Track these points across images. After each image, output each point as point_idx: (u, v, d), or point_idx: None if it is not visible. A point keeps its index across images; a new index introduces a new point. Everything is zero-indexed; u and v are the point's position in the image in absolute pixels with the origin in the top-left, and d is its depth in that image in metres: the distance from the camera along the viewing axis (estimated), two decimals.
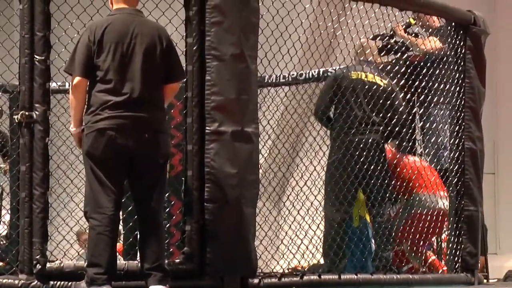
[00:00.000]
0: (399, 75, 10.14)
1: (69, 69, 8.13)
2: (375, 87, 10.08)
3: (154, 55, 8.06)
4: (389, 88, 10.14)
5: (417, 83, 10.32)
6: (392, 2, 10.06)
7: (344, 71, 10.31)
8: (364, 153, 9.84)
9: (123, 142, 7.94)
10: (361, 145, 9.88)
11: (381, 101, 10.04)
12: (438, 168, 10.40)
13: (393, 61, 10.26)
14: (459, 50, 10.19)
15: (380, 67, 10.34)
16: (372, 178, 9.90)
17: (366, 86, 10.07)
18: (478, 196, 10.32)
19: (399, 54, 10.24)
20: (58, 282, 8.09)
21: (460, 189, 10.19)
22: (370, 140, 9.98)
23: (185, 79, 8.51)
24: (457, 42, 10.20)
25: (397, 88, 10.22)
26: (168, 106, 8.79)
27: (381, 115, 10.12)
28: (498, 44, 15.46)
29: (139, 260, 8.36)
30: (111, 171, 8.00)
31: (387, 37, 10.16)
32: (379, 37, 10.21)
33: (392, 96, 10.12)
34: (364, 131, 10.00)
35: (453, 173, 10.19)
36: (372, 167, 9.89)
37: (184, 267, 8.46)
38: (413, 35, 10.38)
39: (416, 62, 10.24)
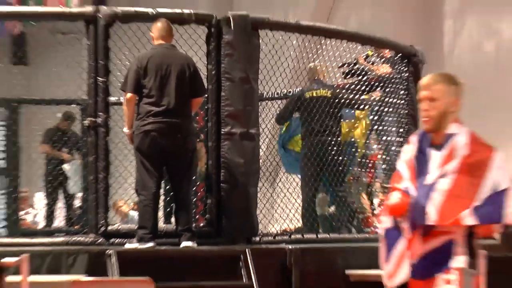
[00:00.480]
0: (360, 92, 10.14)
1: (123, 87, 8.25)
2: (321, 99, 10.08)
3: (184, 77, 8.14)
4: (333, 97, 10.12)
5: (372, 97, 10.34)
6: (356, 39, 10.09)
7: (302, 91, 10.37)
8: (322, 150, 9.87)
9: (162, 141, 8.06)
10: (319, 145, 9.90)
11: (327, 109, 10.04)
12: (388, 159, 10.34)
13: (355, 82, 10.25)
14: (403, 74, 10.23)
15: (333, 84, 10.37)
16: (330, 166, 9.88)
17: (314, 100, 10.05)
18: None
19: (360, 76, 10.22)
20: (116, 240, 8.20)
21: None
22: (325, 141, 9.97)
23: (206, 95, 8.58)
24: (402, 68, 10.23)
25: (340, 95, 10.21)
26: (194, 114, 8.88)
27: (332, 119, 10.11)
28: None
29: (174, 224, 8.52)
30: (154, 161, 8.12)
31: (352, 64, 10.17)
32: (346, 64, 10.22)
33: (336, 101, 10.13)
34: (320, 134, 9.98)
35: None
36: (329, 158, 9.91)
37: (206, 229, 8.58)
38: (371, 63, 10.38)
39: (372, 82, 10.24)
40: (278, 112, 10.64)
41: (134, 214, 13.28)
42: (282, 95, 11.04)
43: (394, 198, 4.87)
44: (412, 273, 4.83)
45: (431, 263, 4.76)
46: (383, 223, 5.00)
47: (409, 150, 4.98)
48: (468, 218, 4.62)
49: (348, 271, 8.25)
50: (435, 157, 4.80)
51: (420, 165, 4.87)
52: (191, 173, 8.58)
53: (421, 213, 4.72)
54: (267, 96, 10.25)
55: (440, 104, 4.74)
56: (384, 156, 10.48)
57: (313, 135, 10.06)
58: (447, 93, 4.77)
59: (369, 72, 10.12)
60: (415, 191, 4.82)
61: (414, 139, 5.00)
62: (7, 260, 5.49)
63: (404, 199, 4.81)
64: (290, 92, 11.04)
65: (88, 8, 8.71)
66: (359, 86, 10.19)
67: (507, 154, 16.29)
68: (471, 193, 4.64)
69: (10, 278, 5.62)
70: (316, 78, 10.40)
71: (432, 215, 4.68)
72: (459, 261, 4.69)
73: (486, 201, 4.64)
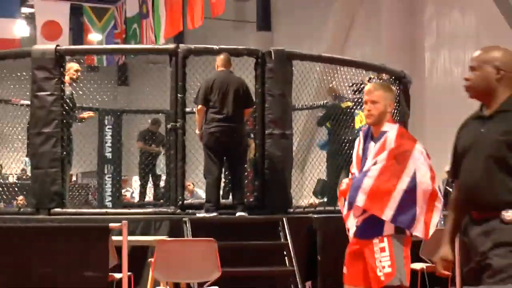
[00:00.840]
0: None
1: (196, 101, 8.19)
2: (348, 108, 9.99)
3: (239, 94, 8.05)
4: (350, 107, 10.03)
5: None
6: (361, 66, 9.99)
7: (334, 104, 10.27)
8: (347, 145, 9.77)
9: (223, 139, 8.00)
10: (346, 142, 9.78)
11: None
12: None
13: (361, 97, 10.09)
14: (396, 90, 10.08)
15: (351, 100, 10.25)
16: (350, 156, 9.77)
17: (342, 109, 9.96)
18: None
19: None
20: (190, 210, 8.12)
21: None
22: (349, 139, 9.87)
23: (254, 106, 8.45)
24: (396, 87, 10.07)
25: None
26: (246, 120, 8.78)
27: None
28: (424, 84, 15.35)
29: (231, 199, 8.43)
30: (217, 154, 8.06)
31: (359, 84, 10.02)
32: (354, 84, 10.07)
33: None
34: (345, 133, 9.89)
35: None
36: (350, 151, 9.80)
37: (254, 203, 8.48)
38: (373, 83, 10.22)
39: None
40: (320, 119, 10.46)
41: (199, 191, 13.29)
42: (308, 106, 10.97)
43: (344, 183, 4.80)
44: (355, 233, 4.70)
45: (369, 227, 4.60)
46: (340, 203, 4.89)
47: (357, 143, 4.89)
48: (387, 214, 4.48)
49: None
50: (372, 148, 4.71)
51: (364, 155, 4.77)
52: (244, 162, 8.57)
53: (354, 196, 4.60)
54: (297, 107, 10.10)
55: (379, 105, 4.67)
56: None
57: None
58: (384, 97, 4.71)
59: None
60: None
61: (361, 133, 4.92)
62: (112, 225, 5.39)
63: (349, 183, 4.71)
64: (314, 104, 10.95)
65: (171, 45, 8.78)
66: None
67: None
68: (395, 178, 4.51)
69: (114, 238, 5.54)
70: (334, 94, 10.25)
71: (360, 200, 4.56)
72: (389, 228, 4.55)
73: (405, 202, 4.50)
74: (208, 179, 8.11)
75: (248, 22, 22.24)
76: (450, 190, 12.61)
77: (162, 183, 11.64)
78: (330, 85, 10.17)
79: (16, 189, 9.75)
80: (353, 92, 10.07)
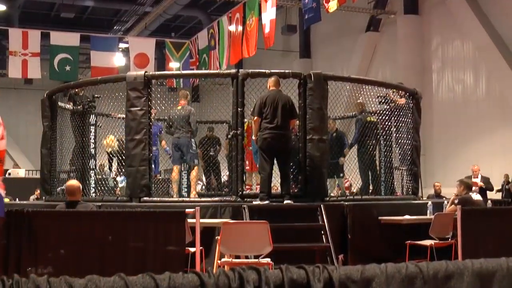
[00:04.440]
0: (390, 113, 9.80)
1: (253, 113, 8.11)
2: (373, 122, 9.80)
3: (286, 108, 7.95)
4: (376, 122, 9.81)
5: (397, 115, 9.92)
6: (382, 85, 9.86)
7: (362, 117, 10.09)
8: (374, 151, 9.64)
9: (274, 144, 7.91)
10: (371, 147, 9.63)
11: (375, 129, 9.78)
12: (402, 154, 9.99)
13: (386, 107, 9.86)
14: (410, 103, 9.91)
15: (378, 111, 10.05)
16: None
17: (368, 124, 9.76)
18: (417, 160, 9.93)
19: (389, 103, 9.82)
20: (249, 199, 8.09)
21: (413, 160, 9.86)
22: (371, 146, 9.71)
23: (298, 117, 8.37)
24: (410, 101, 9.90)
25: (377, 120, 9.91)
26: (292, 128, 8.68)
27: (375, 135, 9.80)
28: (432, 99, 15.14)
29: (280, 190, 8.36)
30: (269, 155, 7.98)
31: (384, 97, 9.80)
32: (381, 96, 9.83)
33: (377, 125, 9.83)
34: (370, 140, 9.72)
35: (408, 153, 9.86)
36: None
37: (298, 193, 8.36)
38: (395, 97, 9.97)
39: (398, 106, 9.85)
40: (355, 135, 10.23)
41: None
42: (340, 117, 10.84)
43: None
44: None
45: None
46: None
47: None
48: None
49: (380, 217, 7.97)
50: None
51: None
52: (290, 160, 8.39)
53: None
54: (332, 117, 9.98)
55: None
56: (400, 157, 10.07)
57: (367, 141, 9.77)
58: None
59: (396, 102, 9.77)
60: None
61: None
62: (188, 210, 5.40)
63: None
64: (345, 115, 10.83)
65: (233, 70, 8.75)
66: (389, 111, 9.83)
67: (458, 157, 15.24)
68: None
69: (189, 220, 5.55)
70: (361, 110, 10.08)
71: None
72: None
73: None
74: (262, 174, 8.04)
75: (293, 52, 22.18)
76: None
77: (224, 178, 11.50)
78: (358, 101, 10.01)
79: (114, 183, 9.87)
80: (379, 103, 9.90)
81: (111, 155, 10.52)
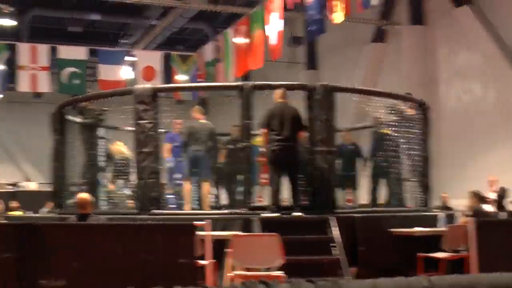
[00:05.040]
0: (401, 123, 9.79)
1: (261, 125, 8.13)
2: (387, 134, 9.81)
3: (294, 120, 7.98)
4: (390, 134, 9.82)
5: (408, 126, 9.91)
6: (390, 96, 9.85)
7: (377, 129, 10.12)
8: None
9: (282, 155, 7.92)
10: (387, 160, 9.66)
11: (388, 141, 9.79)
12: (412, 165, 9.97)
13: (397, 117, 9.84)
14: (420, 113, 9.88)
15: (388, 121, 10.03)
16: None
17: (381, 135, 9.78)
18: (428, 172, 9.88)
19: (400, 114, 9.81)
20: (258, 211, 8.06)
21: (423, 171, 9.80)
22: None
23: (306, 129, 8.37)
24: (419, 111, 9.88)
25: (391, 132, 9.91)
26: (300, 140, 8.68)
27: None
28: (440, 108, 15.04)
29: (289, 202, 8.35)
30: (278, 166, 7.99)
31: (394, 107, 9.77)
32: (391, 109, 9.81)
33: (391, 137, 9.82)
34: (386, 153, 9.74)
35: (419, 164, 9.83)
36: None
37: (308, 205, 8.35)
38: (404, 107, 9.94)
39: (408, 116, 9.83)
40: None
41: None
42: (348, 128, 10.82)
43: None
44: None
45: None
46: None
47: None
48: None
49: (390, 229, 7.94)
50: None
51: None
52: (298, 172, 8.37)
53: None
54: (339, 129, 9.97)
55: None
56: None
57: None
58: None
59: (405, 112, 9.76)
60: None
61: None
62: (197, 222, 5.41)
63: None
64: (353, 126, 10.82)
65: (239, 82, 8.77)
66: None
67: (465, 165, 15.16)
68: None
69: (200, 233, 5.55)
70: (376, 122, 10.10)
71: None
72: None
73: None
74: (271, 186, 8.05)
75: (299, 63, 22.21)
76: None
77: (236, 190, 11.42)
78: (374, 115, 10.00)
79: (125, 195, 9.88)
80: (388, 113, 9.90)
81: (121, 163, 10.42)
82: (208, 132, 9.10)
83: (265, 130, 7.98)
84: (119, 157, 10.20)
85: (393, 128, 9.73)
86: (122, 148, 10.20)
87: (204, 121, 9.28)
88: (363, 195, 9.44)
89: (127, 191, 10.12)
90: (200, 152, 9.04)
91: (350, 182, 10.23)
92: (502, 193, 12.66)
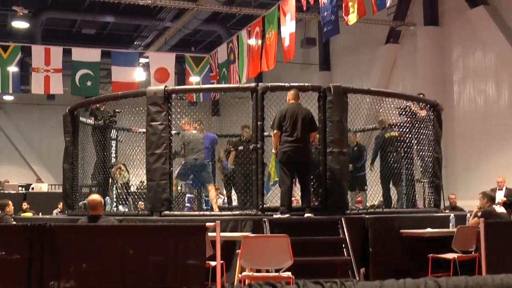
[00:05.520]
0: (410, 125, 9.73)
1: (272, 127, 8.13)
2: (395, 137, 9.76)
3: (305, 121, 7.97)
4: (399, 136, 9.77)
5: (419, 127, 9.84)
6: (402, 97, 9.83)
7: (380, 134, 10.08)
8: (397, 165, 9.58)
9: (294, 157, 7.90)
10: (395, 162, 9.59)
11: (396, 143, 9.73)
12: (423, 166, 9.88)
13: (407, 119, 9.80)
14: (431, 115, 9.84)
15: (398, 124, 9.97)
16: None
17: (389, 139, 9.74)
18: (439, 173, 9.83)
19: (409, 116, 9.77)
20: (269, 212, 8.06)
21: (434, 172, 9.77)
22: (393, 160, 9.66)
23: (318, 130, 8.37)
24: (431, 112, 9.83)
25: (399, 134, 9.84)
26: (312, 141, 8.66)
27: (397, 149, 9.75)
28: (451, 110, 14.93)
29: (300, 203, 8.33)
30: (289, 167, 7.97)
31: (405, 109, 9.72)
32: (401, 108, 9.77)
33: (400, 139, 9.76)
34: (392, 154, 9.67)
35: (430, 165, 9.78)
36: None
37: (319, 206, 8.35)
38: (416, 108, 9.88)
39: (420, 117, 9.77)
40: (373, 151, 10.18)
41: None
42: (360, 129, 10.78)
43: None
44: None
45: None
46: None
47: None
48: None
49: (401, 230, 7.90)
50: None
51: None
52: (310, 173, 8.36)
53: None
54: (352, 130, 9.94)
55: None
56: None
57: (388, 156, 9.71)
58: None
59: (418, 114, 9.70)
60: None
61: None
62: (208, 224, 5.40)
63: None
64: (365, 127, 10.76)
65: (252, 84, 8.73)
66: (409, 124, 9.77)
67: (480, 164, 15.09)
68: None
69: (210, 234, 5.55)
70: (383, 126, 10.04)
71: None
72: None
73: None
74: (282, 188, 8.02)
75: (312, 64, 22.18)
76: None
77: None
78: (380, 118, 9.96)
79: (136, 196, 9.90)
80: (399, 114, 9.85)
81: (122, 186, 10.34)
82: (201, 141, 9.26)
83: (277, 131, 7.97)
84: (121, 181, 10.12)
85: (404, 129, 9.66)
86: (124, 173, 10.15)
87: (194, 131, 9.40)
88: (372, 197, 9.37)
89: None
90: (197, 161, 9.29)
91: (358, 184, 10.19)
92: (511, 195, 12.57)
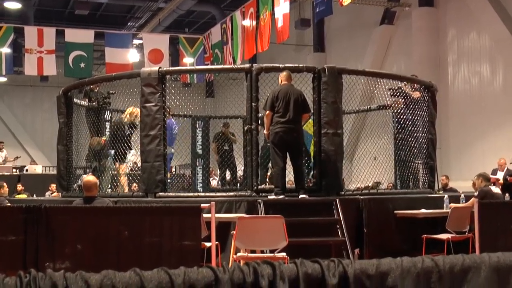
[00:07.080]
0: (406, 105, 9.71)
1: (265, 107, 8.08)
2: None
3: (298, 102, 7.92)
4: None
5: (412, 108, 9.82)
6: (397, 78, 9.80)
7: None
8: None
9: (286, 137, 7.88)
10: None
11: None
12: (417, 146, 9.88)
13: (401, 100, 9.77)
14: (425, 96, 9.82)
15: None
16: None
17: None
18: (433, 154, 9.83)
19: (403, 97, 9.74)
20: (264, 194, 8.07)
21: (429, 154, 9.78)
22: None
23: (310, 112, 8.35)
24: (425, 93, 9.82)
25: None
26: (304, 122, 8.66)
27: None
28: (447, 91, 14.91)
29: (294, 184, 8.33)
30: (281, 149, 7.95)
31: (397, 89, 9.68)
32: (392, 89, 9.71)
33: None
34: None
35: (424, 146, 9.79)
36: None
37: (313, 187, 8.36)
38: (408, 90, 9.85)
39: (412, 99, 9.74)
40: None
41: None
42: (355, 110, 10.76)
43: None
44: None
45: None
46: None
47: None
48: None
49: (395, 211, 7.93)
50: None
51: None
52: (302, 155, 8.36)
53: None
54: (346, 111, 9.91)
55: None
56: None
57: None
58: None
59: (410, 95, 9.66)
60: None
61: None
62: (203, 205, 5.41)
63: None
64: (360, 108, 10.74)
65: (247, 65, 8.70)
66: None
67: (475, 147, 15.00)
68: None
69: (205, 215, 5.57)
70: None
71: None
72: None
73: None
74: (275, 169, 8.02)
75: (306, 46, 22.11)
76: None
77: (240, 173, 11.47)
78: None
79: (131, 178, 9.88)
80: (391, 96, 9.84)
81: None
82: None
83: (269, 112, 7.95)
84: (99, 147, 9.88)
85: (398, 110, 9.65)
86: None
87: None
88: (367, 178, 9.39)
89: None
90: None
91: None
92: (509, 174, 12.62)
